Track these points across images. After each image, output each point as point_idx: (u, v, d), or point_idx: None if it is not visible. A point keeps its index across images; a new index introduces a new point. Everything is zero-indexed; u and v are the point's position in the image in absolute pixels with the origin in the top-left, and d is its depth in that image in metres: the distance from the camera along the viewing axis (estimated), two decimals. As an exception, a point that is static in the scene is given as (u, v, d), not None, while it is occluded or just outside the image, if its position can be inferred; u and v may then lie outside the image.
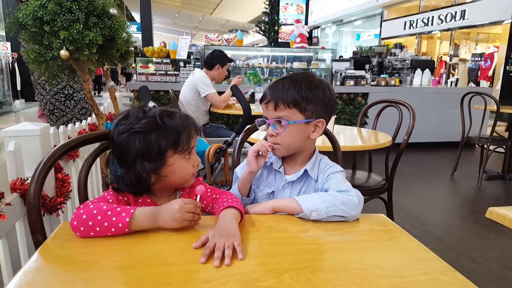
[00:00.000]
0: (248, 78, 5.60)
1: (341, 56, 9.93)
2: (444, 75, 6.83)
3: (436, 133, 5.98)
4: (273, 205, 1.07)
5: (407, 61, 6.86)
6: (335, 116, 2.85)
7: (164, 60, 5.39)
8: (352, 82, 5.63)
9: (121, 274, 0.74)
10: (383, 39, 13.96)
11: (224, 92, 3.91)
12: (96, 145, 1.13)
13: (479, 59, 10.96)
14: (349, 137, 2.68)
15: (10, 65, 10.66)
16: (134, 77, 5.70)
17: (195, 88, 3.79)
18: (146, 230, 0.89)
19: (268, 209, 1.06)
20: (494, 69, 10.35)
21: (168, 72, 5.19)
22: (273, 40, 7.01)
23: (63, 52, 2.08)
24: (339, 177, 1.13)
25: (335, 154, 1.45)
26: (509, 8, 9.22)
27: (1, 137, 1.52)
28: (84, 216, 0.85)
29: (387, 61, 7.33)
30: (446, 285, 0.72)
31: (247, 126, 1.52)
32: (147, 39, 10.70)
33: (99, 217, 0.85)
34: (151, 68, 5.52)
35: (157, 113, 0.98)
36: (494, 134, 4.28)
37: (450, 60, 12.31)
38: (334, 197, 1.01)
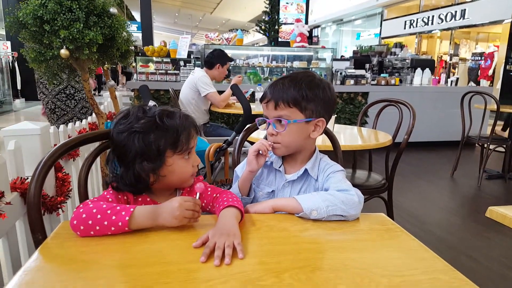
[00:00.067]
0: (248, 77, 5.60)
1: (342, 56, 9.92)
2: (443, 75, 6.81)
3: (436, 132, 5.98)
4: (273, 204, 1.07)
5: (407, 61, 6.85)
6: (335, 115, 2.85)
7: (164, 59, 5.39)
8: (352, 82, 5.63)
9: (121, 273, 0.74)
10: (383, 38, 13.95)
11: (224, 91, 3.91)
12: (96, 144, 1.13)
13: (479, 58, 10.95)
14: (349, 137, 2.68)
15: (10, 64, 10.66)
16: (134, 76, 5.70)
17: (195, 87, 3.79)
18: (146, 229, 0.89)
19: (268, 208, 1.06)
20: (494, 68, 10.34)
21: (168, 71, 5.19)
22: (273, 39, 7.01)
23: (63, 51, 2.08)
24: (339, 177, 1.13)
25: (335, 153, 1.45)
26: (509, 8, 9.21)
27: (1, 136, 1.52)
28: (84, 215, 0.85)
29: (387, 60, 7.32)
30: (446, 285, 0.72)
31: (247, 126, 1.52)
32: (147, 38, 10.71)
33: (99, 216, 0.85)
34: (151, 67, 5.52)
35: (157, 113, 0.98)
36: (494, 133, 4.28)
37: (450, 60, 12.30)
38: (334, 196, 1.01)
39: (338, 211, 0.99)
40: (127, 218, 0.85)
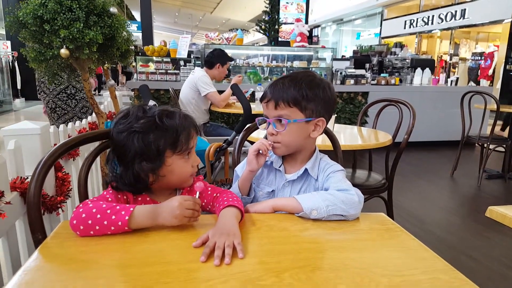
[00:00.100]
0: (248, 77, 5.60)
1: (343, 56, 9.92)
2: (442, 75, 6.81)
3: (436, 132, 5.98)
4: (273, 204, 1.07)
5: (407, 60, 6.85)
6: (335, 115, 2.85)
7: (165, 59, 5.39)
8: (352, 81, 5.63)
9: (121, 273, 0.74)
10: (383, 38, 13.95)
11: (224, 91, 3.91)
12: (96, 144, 1.13)
13: (479, 58, 10.95)
14: (349, 136, 2.68)
15: (10, 63, 10.65)
16: (135, 76, 5.70)
17: (196, 87, 3.78)
18: (146, 229, 0.89)
19: (268, 208, 1.06)
20: (494, 68, 10.34)
21: (169, 71, 5.19)
22: (274, 39, 7.01)
23: (63, 51, 2.08)
24: (339, 176, 1.13)
25: (335, 153, 1.45)
26: (509, 7, 9.22)
27: (1, 135, 1.52)
28: (84, 215, 0.85)
29: (387, 60, 7.32)
30: (446, 284, 0.72)
31: (247, 125, 1.52)
32: (148, 38, 10.70)
33: (98, 216, 0.85)
34: (152, 67, 5.52)
35: (157, 113, 0.98)
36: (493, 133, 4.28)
37: (450, 59, 12.30)
38: (334, 196, 1.01)
39: (338, 210, 0.99)
40: (127, 217, 0.85)
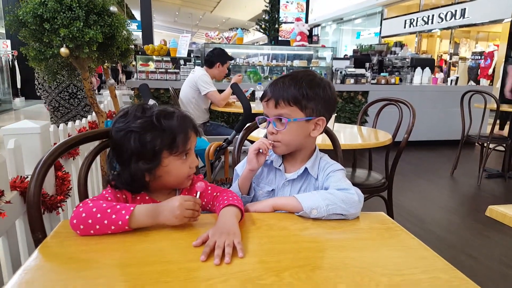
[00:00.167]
0: (248, 76, 5.60)
1: (345, 55, 9.91)
2: (439, 74, 6.81)
3: (436, 131, 5.98)
4: (273, 203, 1.07)
5: (407, 60, 6.85)
6: (335, 114, 2.85)
7: (165, 58, 5.38)
8: (352, 80, 5.63)
9: (121, 272, 0.74)
10: (383, 37, 13.95)
11: (224, 90, 3.91)
12: (96, 143, 1.13)
13: (479, 57, 10.95)
14: (349, 135, 2.68)
15: (10, 62, 10.65)
16: (135, 75, 5.70)
17: (196, 86, 3.78)
18: (146, 228, 0.89)
19: (268, 207, 1.06)
20: (494, 67, 10.35)
21: (169, 70, 5.19)
22: (274, 38, 7.00)
23: (63, 50, 2.08)
24: (339, 175, 1.13)
25: (335, 152, 1.45)
26: (509, 7, 9.21)
27: (1, 135, 1.52)
28: (84, 214, 0.85)
29: (387, 59, 7.32)
30: (446, 284, 0.72)
31: (247, 124, 1.52)
32: (147, 37, 10.70)
33: (98, 215, 0.85)
34: (152, 66, 5.51)
35: (155, 113, 0.97)
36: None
37: (450, 59, 12.31)
38: (334, 195, 1.01)
39: (338, 210, 0.99)
40: (127, 217, 0.85)
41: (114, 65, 10.65)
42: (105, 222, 0.85)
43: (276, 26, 6.97)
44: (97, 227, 0.85)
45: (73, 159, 1.96)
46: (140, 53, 5.81)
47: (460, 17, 10.78)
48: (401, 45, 8.72)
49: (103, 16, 2.17)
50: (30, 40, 2.12)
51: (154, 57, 5.55)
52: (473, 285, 0.71)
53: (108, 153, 1.04)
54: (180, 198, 0.90)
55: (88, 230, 0.85)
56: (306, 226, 0.97)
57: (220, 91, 3.88)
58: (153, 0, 11.64)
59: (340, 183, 1.09)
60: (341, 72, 5.68)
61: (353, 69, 5.83)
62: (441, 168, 4.81)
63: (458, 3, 10.96)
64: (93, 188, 2.36)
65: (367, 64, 6.73)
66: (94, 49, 2.12)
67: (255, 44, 15.10)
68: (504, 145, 4.35)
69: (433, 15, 11.80)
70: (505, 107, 4.49)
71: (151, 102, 1.78)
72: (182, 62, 5.57)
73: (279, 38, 7.27)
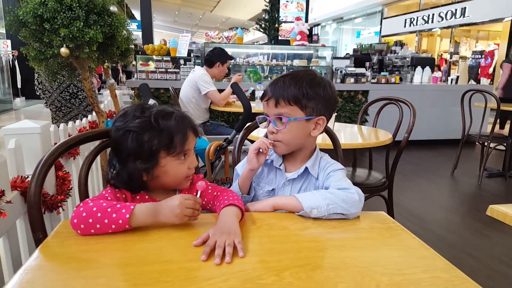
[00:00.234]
0: (248, 75, 5.59)
1: (347, 54, 9.89)
2: (438, 73, 6.81)
3: (436, 130, 5.98)
4: (273, 202, 1.07)
5: (407, 59, 6.85)
6: (335, 113, 2.85)
7: (165, 58, 5.39)
8: (352, 80, 5.63)
9: (121, 272, 0.74)
10: (383, 36, 13.96)
11: (224, 89, 3.91)
12: (97, 143, 1.13)
13: (480, 56, 10.95)
14: (350, 135, 2.68)
15: (11, 62, 10.65)
16: (135, 75, 5.70)
17: (196, 86, 3.78)
18: (146, 228, 0.89)
19: (268, 206, 1.06)
20: (495, 66, 10.34)
21: (169, 70, 5.19)
22: (273, 38, 6.99)
23: (63, 50, 2.08)
24: (340, 175, 1.13)
25: (336, 151, 1.45)
26: (509, 6, 9.21)
27: (1, 135, 1.52)
28: (84, 214, 0.85)
29: (387, 58, 7.32)
30: (447, 283, 0.72)
31: (248, 124, 1.52)
32: (147, 37, 10.69)
33: (99, 214, 0.85)
34: (152, 66, 5.51)
35: (153, 113, 0.97)
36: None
37: (451, 58, 12.30)
38: (334, 195, 1.01)
39: (339, 209, 0.99)
40: (127, 215, 0.85)
41: (114, 65, 10.66)
42: (106, 221, 0.85)
43: (276, 25, 6.95)
44: (98, 226, 0.85)
45: (74, 159, 1.96)
46: (140, 52, 5.81)
47: (460, 16, 10.78)
48: (401, 44, 8.72)
49: (103, 16, 2.17)
50: (30, 40, 2.12)
51: (154, 57, 5.56)
52: (473, 284, 0.71)
53: (109, 152, 1.04)
54: (180, 197, 0.89)
55: (88, 229, 0.85)
56: (307, 225, 0.97)
57: (220, 90, 3.88)
58: (153, 0, 11.63)
59: (340, 183, 1.09)
60: (341, 72, 5.68)
61: (353, 69, 5.83)
62: (442, 168, 4.81)
63: (458, 2, 10.95)
64: (94, 188, 2.36)
65: (367, 64, 6.73)
66: (94, 49, 2.12)
67: (255, 43, 15.11)
68: (505, 144, 4.34)
69: (433, 14, 11.80)
70: (505, 106, 4.49)
71: (151, 101, 1.79)
72: (182, 61, 5.57)
73: (279, 38, 7.26)
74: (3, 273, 1.24)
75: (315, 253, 0.83)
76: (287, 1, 8.25)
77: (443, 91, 5.98)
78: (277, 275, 0.72)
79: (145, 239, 0.85)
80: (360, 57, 7.28)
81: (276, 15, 6.97)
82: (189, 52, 5.83)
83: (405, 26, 13.01)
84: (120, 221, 0.85)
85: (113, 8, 2.23)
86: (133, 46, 2.64)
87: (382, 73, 6.25)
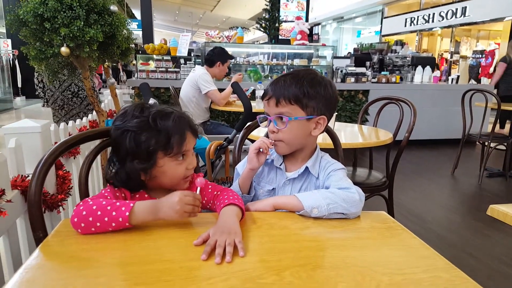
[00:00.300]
0: (249, 75, 5.59)
1: (349, 52, 9.89)
2: (437, 72, 6.81)
3: (437, 130, 5.97)
4: (274, 202, 1.07)
5: (407, 58, 6.85)
6: (336, 113, 2.85)
7: (165, 57, 5.38)
8: (352, 79, 5.62)
9: (121, 271, 0.74)
10: (383, 36, 13.95)
11: (224, 89, 3.91)
12: (97, 142, 1.13)
13: (480, 56, 10.94)
14: (350, 134, 2.68)
15: (11, 62, 10.65)
16: (135, 74, 5.70)
17: (196, 85, 3.78)
18: (147, 227, 0.89)
19: (269, 206, 1.06)
20: (495, 66, 10.32)
21: (169, 69, 5.19)
22: (274, 37, 7.00)
23: (64, 49, 2.08)
24: (340, 175, 1.13)
25: (336, 151, 1.45)
26: (510, 5, 9.20)
27: (2, 134, 1.52)
28: (84, 213, 0.85)
29: (387, 58, 7.31)
30: (447, 283, 0.72)
31: (248, 123, 1.52)
32: (148, 36, 10.69)
33: (99, 213, 0.85)
34: (152, 65, 5.51)
35: (152, 113, 0.97)
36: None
37: (451, 57, 12.29)
38: (335, 194, 1.01)
39: (339, 209, 0.99)
40: (127, 213, 0.85)
41: (114, 64, 10.66)
42: (106, 219, 0.84)
43: (277, 25, 6.96)
44: (98, 224, 0.85)
45: (74, 158, 1.96)
46: (140, 52, 5.81)
47: (461, 16, 10.77)
48: (401, 43, 8.72)
49: (103, 15, 2.17)
50: (30, 39, 2.12)
51: (155, 56, 5.56)
52: (474, 284, 0.71)
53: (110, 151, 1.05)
54: (180, 193, 0.89)
55: (89, 228, 0.85)
56: (307, 225, 0.97)
57: (221, 90, 3.88)
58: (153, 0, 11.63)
59: (341, 182, 1.09)
60: (341, 71, 5.68)
61: (354, 68, 5.82)
62: (442, 167, 4.81)
63: (459, 1, 10.94)
64: (94, 187, 2.36)
65: (368, 63, 6.73)
66: (94, 48, 2.12)
67: (256, 43, 15.11)
68: (505, 144, 4.34)
69: (433, 14, 11.78)
70: (506, 106, 4.49)
71: (152, 101, 1.79)
72: (182, 61, 5.58)
73: (280, 37, 7.26)
74: (3, 272, 1.24)
75: (315, 253, 0.83)
76: (288, 1, 8.25)
77: (443, 91, 5.97)
78: (278, 274, 0.72)
79: (146, 238, 0.85)
80: (360, 56, 7.28)
81: (277, 14, 6.97)
82: (190, 51, 5.83)
83: (405, 26, 13.00)
84: (120, 219, 0.85)
85: (114, 8, 2.23)
86: (133, 46, 2.64)
87: (382, 73, 6.25)
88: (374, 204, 2.71)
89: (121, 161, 0.98)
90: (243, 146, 1.50)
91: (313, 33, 16.88)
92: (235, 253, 0.79)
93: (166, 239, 0.86)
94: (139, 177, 0.99)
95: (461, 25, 11.16)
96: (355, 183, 1.08)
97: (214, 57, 3.88)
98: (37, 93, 3.78)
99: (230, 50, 4.29)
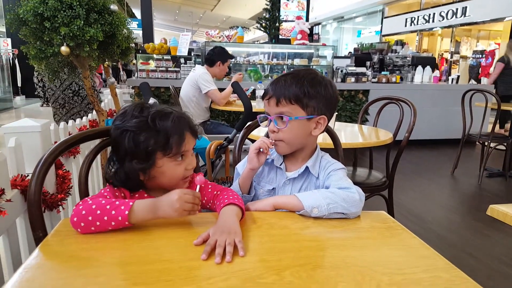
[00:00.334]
0: (249, 74, 5.59)
1: (349, 52, 9.88)
2: (437, 72, 6.81)
3: (437, 130, 5.97)
4: (274, 202, 1.07)
5: (408, 58, 6.84)
6: (336, 113, 2.85)
7: (165, 57, 5.39)
8: (353, 79, 5.62)
9: (121, 271, 0.74)
10: (384, 36, 13.95)
11: (225, 89, 3.91)
12: (97, 141, 1.13)
13: (480, 56, 10.94)
14: (350, 134, 2.68)
15: (11, 61, 10.65)
16: (135, 73, 5.70)
17: (196, 85, 3.78)
18: (147, 227, 0.89)
19: (269, 206, 1.06)
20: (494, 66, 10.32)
21: (169, 69, 5.19)
22: (274, 37, 7.00)
23: (64, 49, 2.08)
24: (340, 174, 1.13)
25: (336, 151, 1.45)
26: (510, 5, 9.20)
27: (1, 133, 1.52)
28: (84, 212, 0.85)
29: (388, 58, 7.31)
30: (447, 283, 0.72)
31: (248, 123, 1.52)
32: (148, 36, 10.70)
33: (98, 212, 0.85)
34: (152, 64, 5.51)
35: (151, 113, 0.97)
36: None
37: (451, 57, 12.29)
38: (335, 194, 1.01)
39: (339, 209, 0.99)
40: (126, 212, 0.85)
41: (114, 63, 10.67)
42: (105, 218, 0.84)
43: (277, 24, 6.96)
44: (98, 223, 0.84)
45: (74, 158, 1.96)
46: (140, 51, 5.81)
47: (461, 16, 10.77)
48: (402, 43, 8.71)
49: (103, 14, 2.17)
50: (30, 38, 2.12)
51: (155, 56, 5.56)
52: (473, 284, 0.71)
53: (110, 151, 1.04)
54: (179, 192, 0.89)
55: (88, 227, 0.85)
56: (307, 225, 0.97)
57: (221, 89, 3.87)
58: (154, -1, 11.63)
59: (341, 182, 1.09)
60: (342, 71, 5.67)
61: (354, 68, 5.82)
62: (442, 167, 4.81)
63: (459, 1, 10.94)
64: (94, 187, 2.36)
65: (368, 63, 6.72)
66: (94, 47, 2.12)
67: (256, 42, 15.09)
68: (505, 144, 4.34)
69: (434, 14, 11.79)
70: (506, 106, 4.49)
71: (152, 100, 1.79)
72: (182, 60, 5.58)
73: (280, 37, 7.26)
74: (3, 271, 1.24)
75: (315, 253, 0.83)
76: (288, 0, 8.25)
77: (443, 91, 5.97)
78: (278, 274, 0.72)
79: (146, 238, 0.85)
80: (360, 56, 7.28)
81: (277, 14, 6.97)
82: (190, 51, 5.83)
83: (405, 26, 13.00)
84: (120, 218, 0.84)
85: (114, 7, 2.23)
86: (133, 45, 2.65)
87: (382, 73, 6.25)
88: (374, 204, 2.71)
89: (120, 161, 0.98)
90: (243, 146, 1.50)
91: (314, 32, 16.85)
92: (235, 252, 0.79)
93: (165, 239, 0.86)
94: (138, 177, 0.98)
95: (462, 25, 11.17)
96: (355, 183, 1.08)
97: (214, 56, 3.88)
98: (36, 92, 3.79)
99: (230, 49, 4.29)
